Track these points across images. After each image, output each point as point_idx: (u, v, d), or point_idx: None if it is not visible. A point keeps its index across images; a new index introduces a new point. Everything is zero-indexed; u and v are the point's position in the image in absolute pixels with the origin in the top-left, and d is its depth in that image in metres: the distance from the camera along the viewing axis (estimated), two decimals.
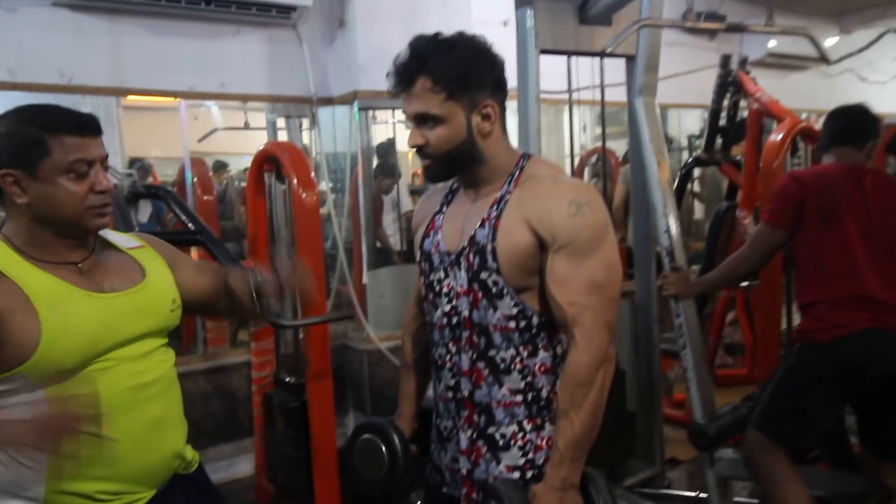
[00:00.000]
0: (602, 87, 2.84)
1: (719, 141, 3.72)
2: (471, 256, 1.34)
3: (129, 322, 1.28)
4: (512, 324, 1.34)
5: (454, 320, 1.39)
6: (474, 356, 1.37)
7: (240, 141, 4.88)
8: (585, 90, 2.95)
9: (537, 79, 2.56)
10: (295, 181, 2.57)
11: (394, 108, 3.99)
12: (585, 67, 2.81)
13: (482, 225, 1.34)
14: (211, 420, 3.32)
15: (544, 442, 1.37)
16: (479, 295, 1.35)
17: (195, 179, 3.47)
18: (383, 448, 1.50)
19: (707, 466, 2.45)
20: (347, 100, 3.46)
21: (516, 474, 1.36)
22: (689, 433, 2.34)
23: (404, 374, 1.62)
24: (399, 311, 4.01)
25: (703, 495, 3.01)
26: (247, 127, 4.88)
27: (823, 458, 2.70)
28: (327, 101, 3.55)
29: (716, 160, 3.60)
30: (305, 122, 3.93)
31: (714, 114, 3.56)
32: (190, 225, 2.45)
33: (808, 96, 5.88)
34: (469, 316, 1.37)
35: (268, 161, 2.80)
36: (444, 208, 1.47)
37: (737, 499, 2.73)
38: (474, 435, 1.39)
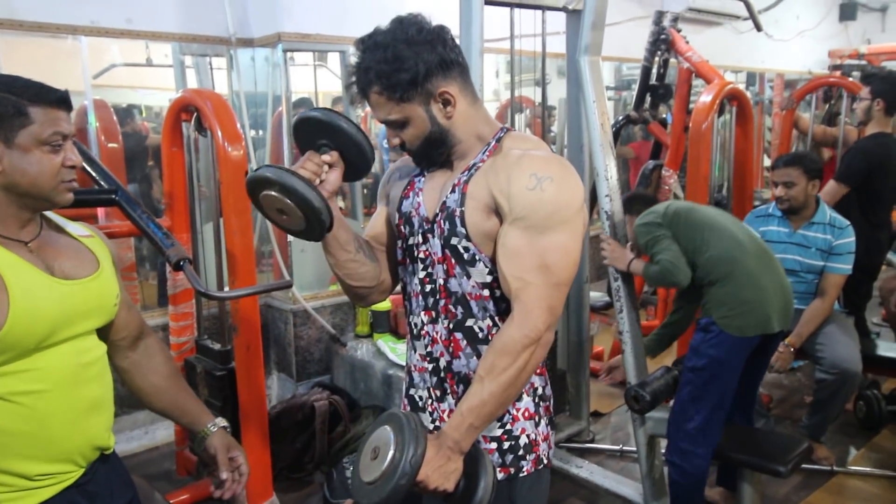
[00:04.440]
0: (543, 38, 2.78)
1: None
2: (442, 222, 1.33)
3: (85, 314, 1.28)
4: (486, 292, 1.32)
5: (428, 287, 1.38)
6: (451, 325, 1.36)
7: (143, 77, 4.46)
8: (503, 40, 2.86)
9: (481, 32, 2.43)
10: (220, 134, 2.35)
11: (316, 51, 3.74)
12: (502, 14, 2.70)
13: (453, 190, 1.33)
14: (123, 387, 3.10)
15: (520, 413, 1.37)
16: (453, 262, 1.33)
17: (97, 125, 3.14)
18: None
19: (638, 426, 2.52)
20: (270, 42, 3.20)
21: (493, 445, 1.35)
22: (626, 397, 2.38)
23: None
24: (322, 267, 3.88)
25: (626, 448, 3.14)
26: (149, 63, 4.47)
27: None
28: (247, 43, 3.27)
29: (644, 119, 3.61)
30: (217, 62, 3.64)
31: (645, 71, 3.55)
32: (101, 182, 2.20)
33: (721, 52, 6.02)
34: (444, 284, 1.35)
35: (185, 110, 2.56)
36: (426, 172, 1.43)
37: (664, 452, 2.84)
38: (455, 405, 1.35)
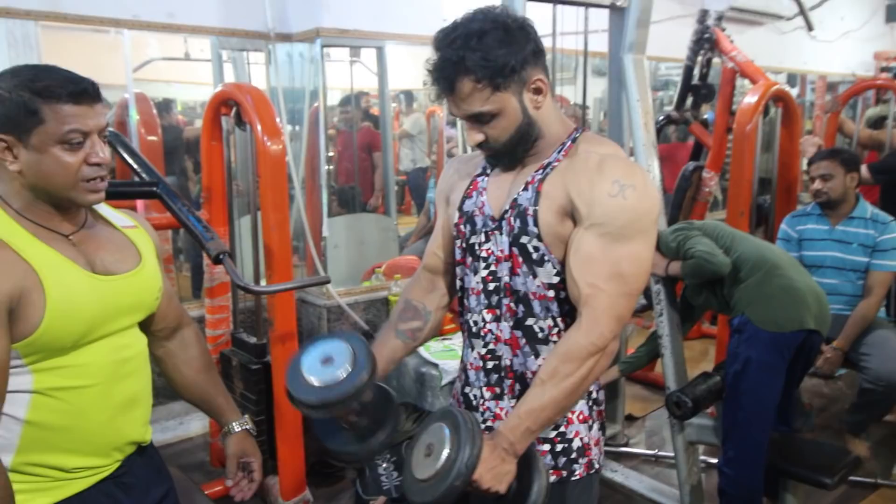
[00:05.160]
0: (586, 36, 2.74)
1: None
2: (512, 219, 1.31)
3: (125, 310, 1.26)
4: (551, 293, 1.30)
5: (492, 286, 1.36)
6: (512, 324, 1.34)
7: (180, 72, 4.50)
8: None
9: None
10: (259, 128, 2.35)
11: (353, 47, 3.73)
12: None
13: (525, 188, 1.31)
14: (160, 378, 3.13)
15: (575, 416, 1.35)
16: (520, 260, 1.31)
17: (137, 118, 3.17)
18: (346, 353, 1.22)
19: (677, 432, 2.47)
20: (308, 37, 3.20)
21: (546, 446, 1.34)
22: (667, 403, 2.33)
23: (386, 334, 1.48)
24: (354, 262, 3.87)
25: (661, 453, 3.08)
26: (187, 58, 4.51)
27: None
28: (285, 38, 3.28)
29: (685, 119, 3.54)
30: (253, 57, 3.64)
31: (688, 70, 3.47)
32: (142, 174, 2.21)
33: (762, 53, 5.87)
34: (509, 282, 1.33)
35: (225, 104, 2.57)
36: (488, 171, 1.41)
37: (702, 457, 2.78)
38: (513, 405, 1.34)
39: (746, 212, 3.19)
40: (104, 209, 1.34)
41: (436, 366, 2.86)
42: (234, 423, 1.51)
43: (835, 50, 6.97)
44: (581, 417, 1.37)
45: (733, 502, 2.27)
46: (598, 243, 1.22)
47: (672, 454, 2.52)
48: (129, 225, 1.35)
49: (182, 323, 1.51)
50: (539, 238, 1.28)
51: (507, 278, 1.33)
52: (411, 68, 4.92)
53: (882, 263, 2.83)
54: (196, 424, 3.25)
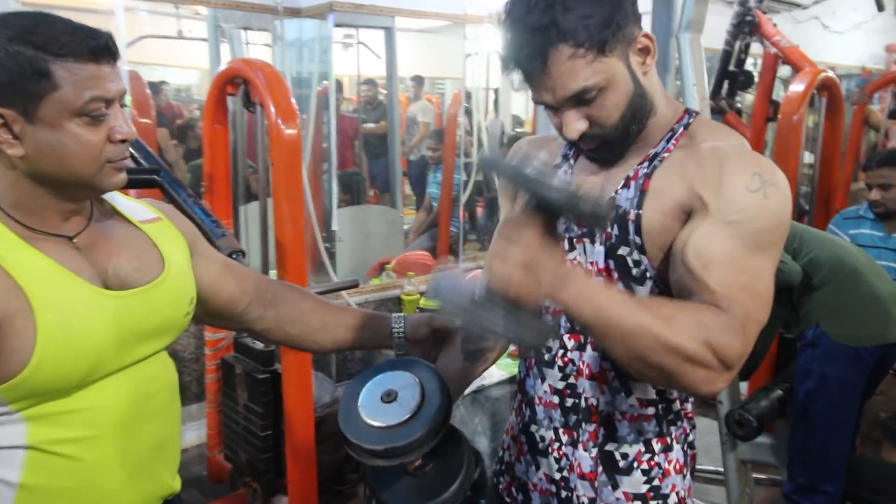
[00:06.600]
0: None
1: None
2: (608, 224, 1.04)
3: (148, 333, 0.99)
4: None
5: None
6: (601, 353, 1.08)
7: (172, 54, 4.21)
8: None
9: None
10: (272, 109, 2.08)
11: (359, 27, 3.47)
12: None
13: (626, 185, 1.04)
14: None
15: (672, 466, 1.11)
16: (615, 276, 1.05)
17: (130, 99, 2.88)
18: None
19: (728, 450, 2.24)
20: (320, 12, 2.93)
21: (637, 503, 1.11)
22: (727, 422, 2.10)
23: (451, 355, 1.21)
24: (360, 257, 3.62)
25: (702, 468, 2.86)
26: (181, 36, 4.21)
27: None
28: (294, 13, 3.00)
29: (721, 108, 3.30)
30: (253, 37, 3.37)
31: (725, 55, 3.24)
32: (141, 160, 1.93)
33: None
34: None
35: (232, 83, 2.30)
36: (571, 160, 1.15)
37: (755, 475, 2.57)
38: (595, 454, 1.11)
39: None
40: (117, 198, 1.05)
41: None
42: (394, 323, 1.19)
43: (847, 42, 6.79)
44: (678, 467, 1.12)
45: None
46: (728, 246, 0.93)
47: (712, 467, 2.31)
48: (151, 217, 1.06)
49: (263, 285, 1.19)
50: (642, 250, 1.02)
51: None
52: (424, 53, 4.67)
53: None
54: (191, 435, 2.99)
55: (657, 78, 1.07)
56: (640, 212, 1.01)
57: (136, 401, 0.97)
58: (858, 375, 1.98)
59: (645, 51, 1.01)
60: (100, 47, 0.88)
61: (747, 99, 4.22)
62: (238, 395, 2.47)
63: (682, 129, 1.06)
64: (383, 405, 0.99)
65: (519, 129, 5.38)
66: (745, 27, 3.14)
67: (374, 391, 1.00)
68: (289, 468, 2.32)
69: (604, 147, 1.05)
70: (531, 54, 0.96)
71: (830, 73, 3.03)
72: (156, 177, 1.83)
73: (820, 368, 1.98)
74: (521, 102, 5.37)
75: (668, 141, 1.05)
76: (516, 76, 1.01)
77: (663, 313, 0.89)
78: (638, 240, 1.02)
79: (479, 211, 4.67)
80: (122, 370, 0.96)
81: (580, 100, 0.99)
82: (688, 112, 1.09)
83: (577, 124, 1.00)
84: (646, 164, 1.04)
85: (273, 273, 2.28)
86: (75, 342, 0.88)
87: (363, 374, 1.04)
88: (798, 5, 5.79)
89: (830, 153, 3.20)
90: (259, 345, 2.42)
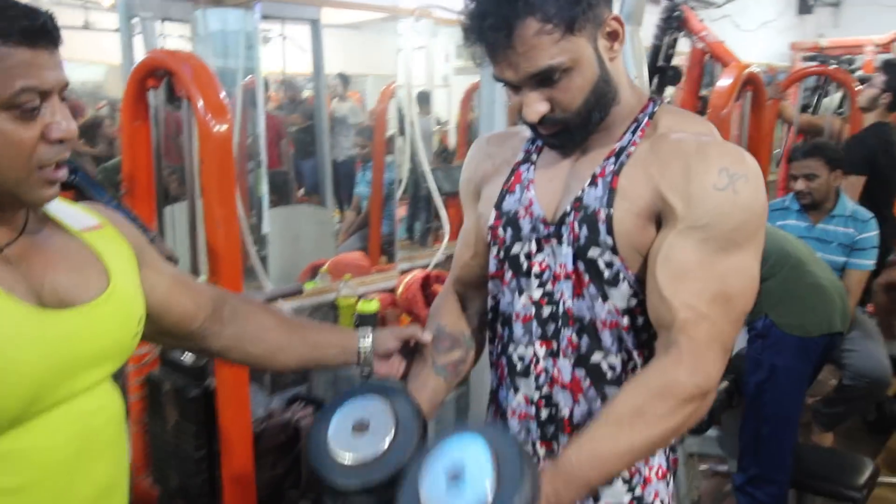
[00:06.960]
0: None
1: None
2: (576, 225, 1.00)
3: (91, 359, 0.86)
4: (626, 320, 1.02)
5: (547, 311, 1.05)
6: (574, 361, 1.05)
7: (76, 47, 3.93)
8: None
9: None
10: (201, 104, 1.93)
11: (292, 19, 3.32)
12: None
13: (593, 182, 1.01)
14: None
15: (654, 473, 1.09)
16: (586, 279, 1.01)
17: None
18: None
19: (677, 444, 2.26)
20: (244, 1, 2.77)
21: None
22: None
23: (423, 372, 1.16)
24: (290, 259, 3.47)
25: None
26: (86, 27, 3.94)
27: None
28: (217, 2, 2.82)
29: None
30: (169, 29, 3.16)
31: (655, 51, 3.26)
32: None
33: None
34: (571, 306, 1.03)
35: (153, 76, 2.12)
36: (534, 156, 1.10)
37: (702, 467, 2.60)
38: None
39: None
40: (55, 204, 0.92)
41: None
42: (360, 339, 1.11)
43: (754, 39, 7.08)
44: (660, 474, 1.11)
45: None
46: (699, 252, 0.94)
47: None
48: (93, 224, 0.94)
49: (220, 299, 1.09)
50: (614, 251, 0.99)
51: (567, 302, 1.03)
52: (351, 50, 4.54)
53: (859, 263, 2.75)
54: None
55: (623, 66, 1.04)
56: (611, 211, 0.98)
57: (79, 439, 0.85)
58: (806, 365, 2.02)
59: (613, 35, 0.98)
60: (35, 29, 0.77)
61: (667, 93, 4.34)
62: (167, 415, 2.29)
63: (646, 119, 1.03)
64: (355, 437, 0.92)
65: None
66: (674, 22, 3.18)
67: (344, 422, 0.94)
68: (225, 490, 2.17)
69: (564, 133, 1.01)
70: (495, 25, 0.91)
71: (756, 69, 3.11)
72: (73, 177, 1.65)
73: (769, 359, 2.01)
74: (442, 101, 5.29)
75: (633, 132, 1.02)
76: (477, 49, 0.96)
77: (638, 414, 0.91)
78: (610, 240, 0.98)
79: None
80: (63, 403, 0.82)
81: (543, 79, 0.95)
82: (652, 100, 1.06)
83: (538, 106, 0.97)
84: (612, 159, 1.01)
85: (203, 280, 2.13)
86: (5, 372, 0.75)
87: (332, 402, 0.97)
88: (712, 4, 5.97)
89: (756, 146, 3.28)
90: (189, 359, 2.25)
